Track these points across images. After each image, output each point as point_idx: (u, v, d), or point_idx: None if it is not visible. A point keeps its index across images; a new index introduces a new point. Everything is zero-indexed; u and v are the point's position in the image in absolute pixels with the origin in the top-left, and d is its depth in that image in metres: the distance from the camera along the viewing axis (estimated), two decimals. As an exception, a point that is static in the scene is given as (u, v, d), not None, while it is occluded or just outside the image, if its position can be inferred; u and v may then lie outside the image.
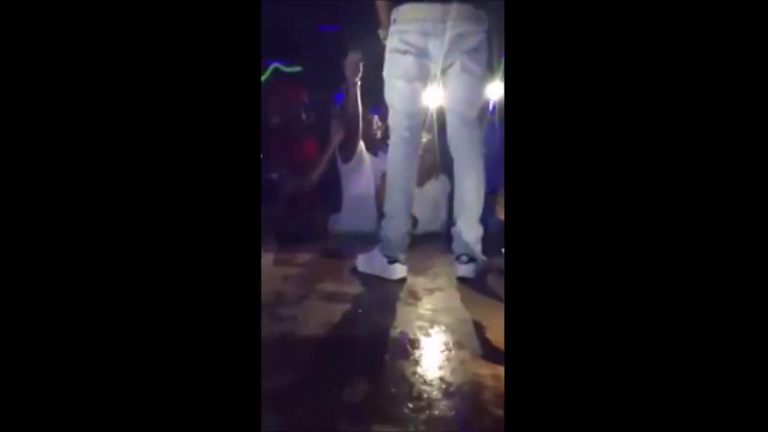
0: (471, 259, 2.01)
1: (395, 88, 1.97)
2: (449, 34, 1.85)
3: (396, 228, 2.01)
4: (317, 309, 1.68)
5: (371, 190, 2.88)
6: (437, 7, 1.84)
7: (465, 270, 2.01)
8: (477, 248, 2.02)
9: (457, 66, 1.92)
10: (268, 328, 1.46)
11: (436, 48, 1.88)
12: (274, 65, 6.29)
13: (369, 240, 2.23)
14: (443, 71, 1.93)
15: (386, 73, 1.98)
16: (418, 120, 1.98)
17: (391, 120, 2.02)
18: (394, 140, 2.01)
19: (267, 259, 2.18)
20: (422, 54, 1.90)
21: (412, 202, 2.03)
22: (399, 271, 2.01)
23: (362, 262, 2.10)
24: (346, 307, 1.69)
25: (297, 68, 6.05)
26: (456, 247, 2.05)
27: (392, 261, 2.00)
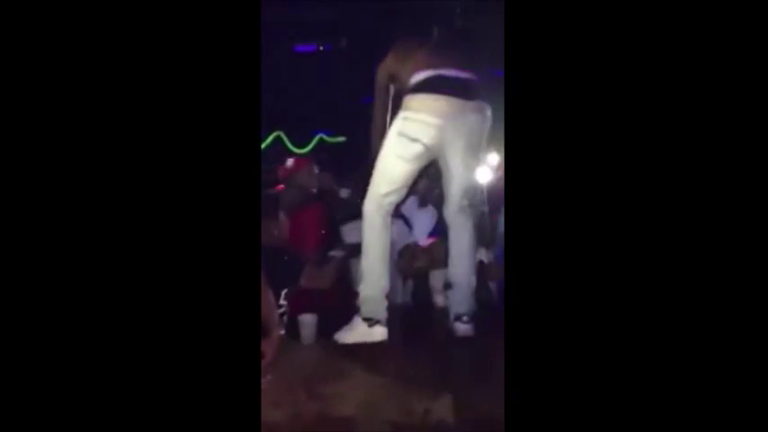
0: (471, 318, 2.10)
1: (388, 162, 2.07)
2: (460, 128, 1.97)
3: (373, 289, 2.06)
4: (356, 386, 1.63)
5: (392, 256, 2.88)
6: (453, 102, 1.96)
7: (466, 330, 2.08)
8: (474, 307, 2.14)
9: (459, 161, 2.05)
10: (305, 405, 1.43)
11: (444, 140, 2.00)
12: (320, 135, 6.52)
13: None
14: (446, 159, 2.08)
15: (387, 148, 2.07)
16: (400, 192, 2.11)
17: (375, 188, 2.10)
18: (373, 206, 2.10)
19: (307, 332, 2.15)
20: (429, 144, 2.00)
21: (387, 264, 2.13)
22: (379, 333, 2.02)
23: (343, 334, 2.10)
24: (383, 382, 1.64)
25: (341, 139, 6.25)
26: (457, 307, 2.11)
27: (372, 323, 2.02)
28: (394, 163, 2.06)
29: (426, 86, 1.98)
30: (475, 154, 2.09)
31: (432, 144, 2.00)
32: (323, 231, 2.79)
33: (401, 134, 2.01)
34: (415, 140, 1.99)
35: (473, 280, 2.17)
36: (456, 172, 2.09)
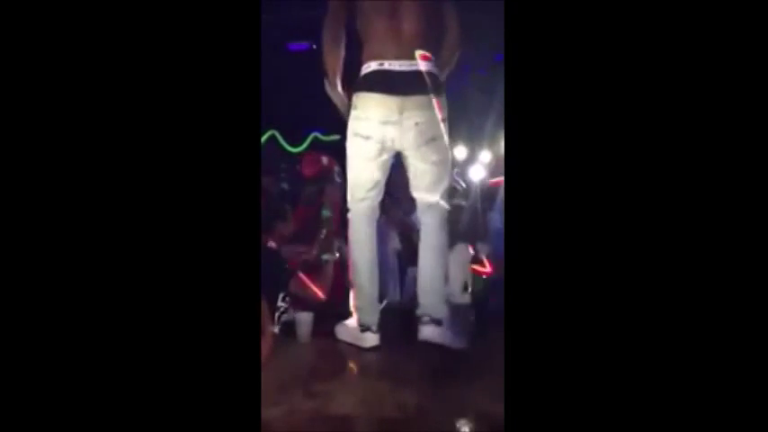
0: (435, 321, 2.00)
1: (355, 166, 2.09)
2: (407, 124, 1.97)
3: (364, 296, 2.07)
4: (352, 384, 1.63)
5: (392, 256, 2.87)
6: (395, 98, 1.95)
7: (428, 333, 1.99)
8: (442, 310, 2.03)
9: (418, 155, 2.03)
10: (301, 403, 1.43)
11: (396, 136, 2.00)
12: (314, 134, 6.50)
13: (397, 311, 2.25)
14: (405, 156, 2.06)
15: (348, 151, 2.09)
16: (376, 192, 2.10)
17: (350, 193, 2.12)
18: (355, 212, 2.11)
19: (303, 330, 2.15)
20: (382, 140, 2.00)
21: (377, 271, 2.11)
22: (371, 340, 2.03)
23: (340, 330, 2.14)
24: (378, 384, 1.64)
25: (335, 137, 6.24)
26: (421, 308, 2.04)
27: (364, 329, 2.04)
28: (360, 165, 2.06)
29: (370, 83, 1.99)
30: (434, 149, 2.02)
31: (386, 141, 2.00)
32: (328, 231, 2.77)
33: (356, 134, 2.03)
34: (368, 138, 2.00)
35: (440, 282, 2.09)
36: (417, 167, 2.06)
